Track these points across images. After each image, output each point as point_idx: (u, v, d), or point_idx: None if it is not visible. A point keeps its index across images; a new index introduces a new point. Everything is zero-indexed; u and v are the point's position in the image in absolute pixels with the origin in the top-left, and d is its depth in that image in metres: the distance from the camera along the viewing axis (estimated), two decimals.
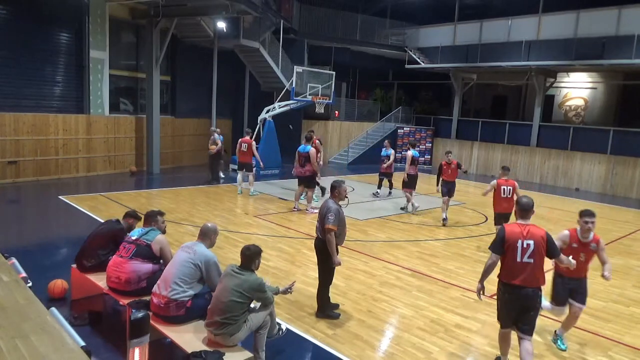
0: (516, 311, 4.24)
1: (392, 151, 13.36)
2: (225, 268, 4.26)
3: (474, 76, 22.24)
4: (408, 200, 11.72)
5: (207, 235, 4.67)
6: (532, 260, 4.11)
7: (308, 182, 10.95)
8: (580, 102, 21.74)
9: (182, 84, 17.74)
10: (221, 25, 15.69)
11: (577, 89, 21.68)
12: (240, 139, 12.80)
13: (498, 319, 4.47)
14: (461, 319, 5.72)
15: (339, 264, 5.38)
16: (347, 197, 5.60)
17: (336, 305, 5.73)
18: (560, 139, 18.93)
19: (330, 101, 17.38)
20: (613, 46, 16.42)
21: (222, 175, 14.39)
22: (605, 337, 5.49)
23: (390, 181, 13.56)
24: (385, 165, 13.19)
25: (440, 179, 10.76)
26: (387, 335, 5.29)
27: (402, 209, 11.90)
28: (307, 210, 10.98)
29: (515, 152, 20.03)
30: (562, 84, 21.78)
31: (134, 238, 4.96)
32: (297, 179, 11.22)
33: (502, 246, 4.19)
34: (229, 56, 17.97)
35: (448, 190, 10.69)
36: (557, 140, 19.03)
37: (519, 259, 4.12)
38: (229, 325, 3.94)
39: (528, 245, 4.11)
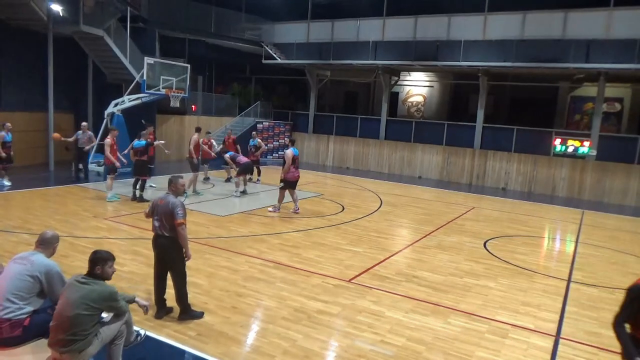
0: None
1: (258, 140, 14.96)
2: (69, 279, 3.85)
3: (327, 73, 23.31)
4: (234, 179, 12.96)
5: (49, 243, 4.18)
6: None
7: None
8: (420, 99, 24.24)
9: (9, 72, 15.43)
10: (56, 8, 14.00)
11: (417, 86, 24.13)
12: None
13: None
14: (323, 304, 5.99)
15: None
16: (186, 192, 5.56)
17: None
18: (404, 132, 20.88)
19: (186, 95, 16.70)
20: (445, 49, 18.58)
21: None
22: (445, 307, 6.22)
23: (258, 168, 15.14)
24: (257, 154, 14.84)
25: None
26: (253, 328, 5.31)
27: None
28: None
29: (366, 145, 21.52)
30: (405, 82, 24.05)
31: None
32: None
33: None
34: (68, 43, 16.10)
35: None
36: (401, 133, 20.94)
37: None
38: (77, 341, 3.57)
39: None
